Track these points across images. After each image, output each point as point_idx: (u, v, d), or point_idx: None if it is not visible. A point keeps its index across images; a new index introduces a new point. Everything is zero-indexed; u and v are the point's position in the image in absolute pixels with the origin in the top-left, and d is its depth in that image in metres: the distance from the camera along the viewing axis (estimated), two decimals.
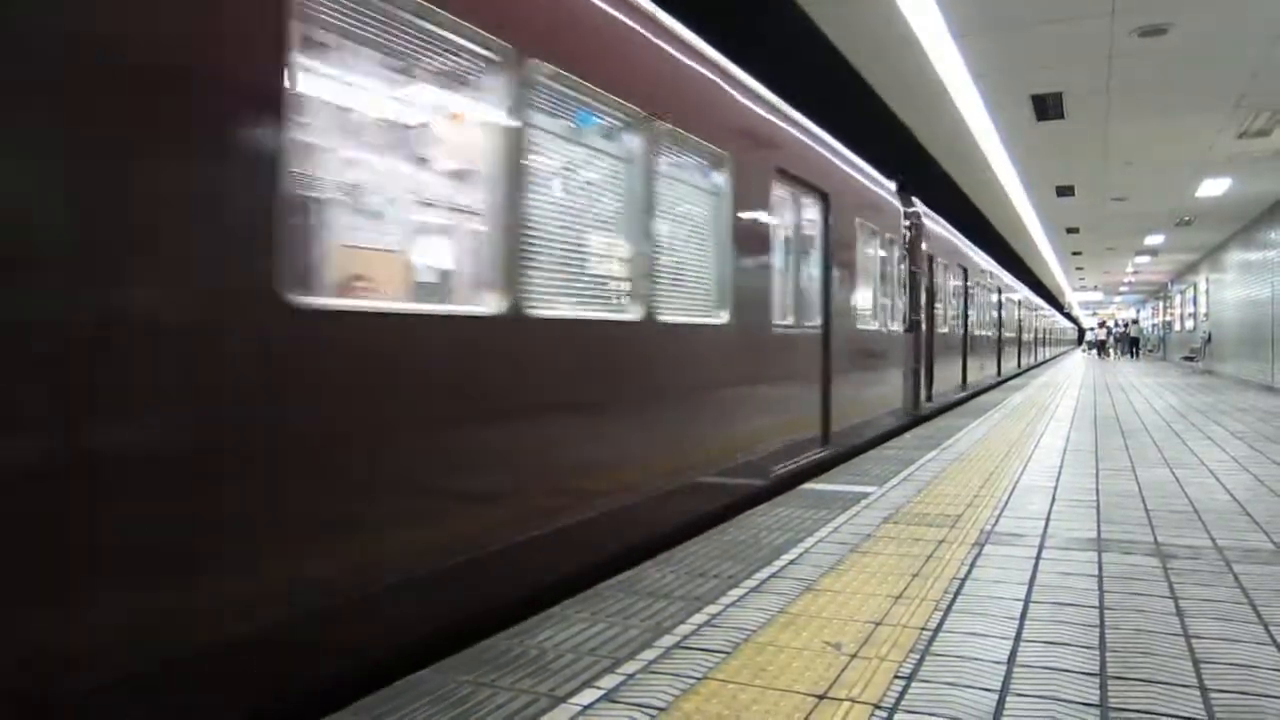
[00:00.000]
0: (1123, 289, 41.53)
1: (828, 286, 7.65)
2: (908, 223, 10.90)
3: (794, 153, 7.04)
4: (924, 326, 12.05)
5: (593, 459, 4.27)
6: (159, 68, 2.28)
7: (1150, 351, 42.98)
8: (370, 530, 2.91)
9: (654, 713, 2.37)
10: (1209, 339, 24.59)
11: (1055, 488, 5.89)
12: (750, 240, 6.04)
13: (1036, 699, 2.45)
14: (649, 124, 4.74)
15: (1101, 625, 3.08)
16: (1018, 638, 2.95)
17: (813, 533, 4.52)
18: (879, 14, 7.16)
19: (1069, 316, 69.86)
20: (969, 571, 3.79)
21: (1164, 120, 10.47)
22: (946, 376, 13.98)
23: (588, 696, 2.47)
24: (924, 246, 11.63)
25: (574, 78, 4.09)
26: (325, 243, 3.01)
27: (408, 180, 3.52)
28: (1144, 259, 26.32)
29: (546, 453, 3.91)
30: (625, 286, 4.64)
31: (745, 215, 5.94)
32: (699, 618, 3.16)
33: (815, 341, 7.22)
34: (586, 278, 4.41)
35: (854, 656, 2.78)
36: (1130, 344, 44.20)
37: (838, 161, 8.30)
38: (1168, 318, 36.71)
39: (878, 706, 2.41)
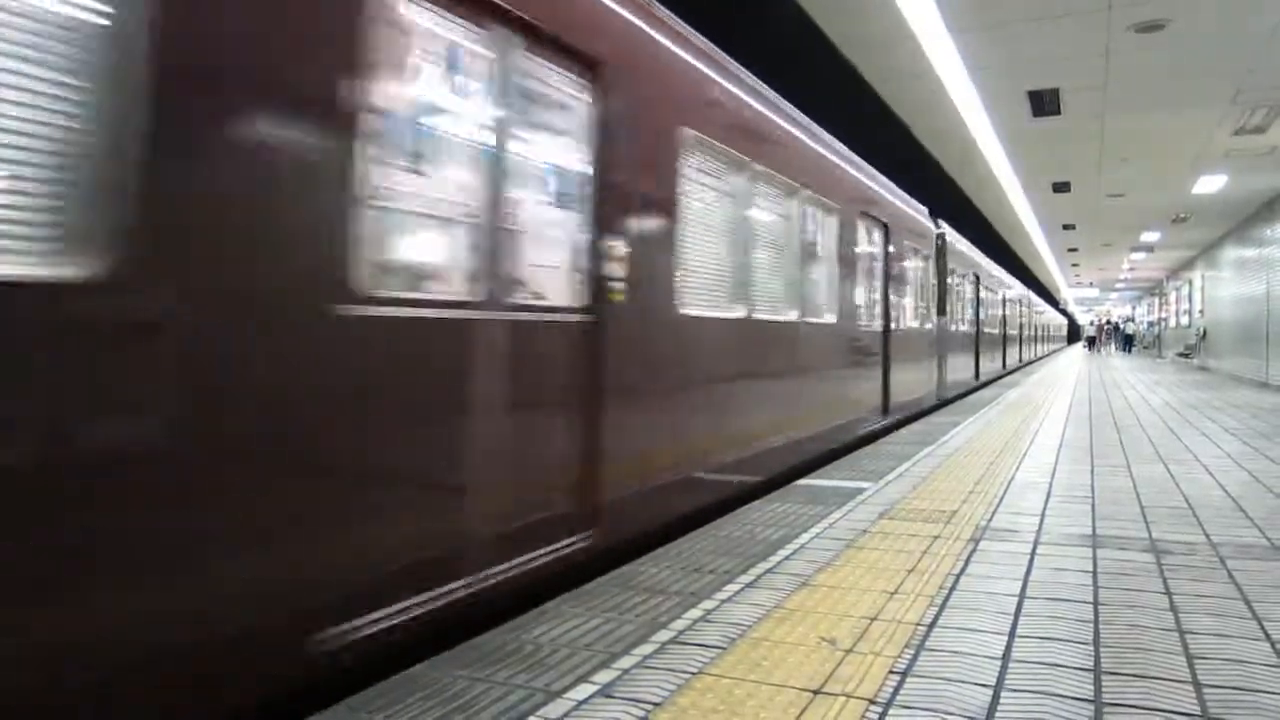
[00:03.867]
0: (1119, 285, 41.59)
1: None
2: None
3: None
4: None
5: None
6: None
7: (1146, 348, 43.18)
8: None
9: (649, 708, 2.37)
10: (1203, 335, 24.64)
11: (1050, 483, 5.90)
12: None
13: (1031, 694, 2.46)
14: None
15: (1096, 621, 3.09)
16: (1012, 633, 2.96)
17: (808, 528, 4.53)
18: (875, 8, 7.16)
19: (1064, 312, 70.06)
20: (964, 567, 3.79)
21: (1160, 116, 10.48)
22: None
23: (583, 691, 2.47)
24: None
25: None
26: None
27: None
28: (1140, 255, 26.34)
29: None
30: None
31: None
32: (694, 613, 3.16)
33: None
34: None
35: (849, 652, 2.78)
36: (1125, 340, 44.62)
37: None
38: (1163, 314, 36.80)
39: (872, 701, 2.41)
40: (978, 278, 18.06)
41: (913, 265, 11.78)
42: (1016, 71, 8.83)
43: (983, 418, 10.48)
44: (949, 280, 14.46)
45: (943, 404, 13.65)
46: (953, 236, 15.14)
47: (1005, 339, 24.04)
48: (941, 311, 13.80)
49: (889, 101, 10.00)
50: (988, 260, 20.57)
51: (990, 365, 20.07)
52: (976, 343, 18.03)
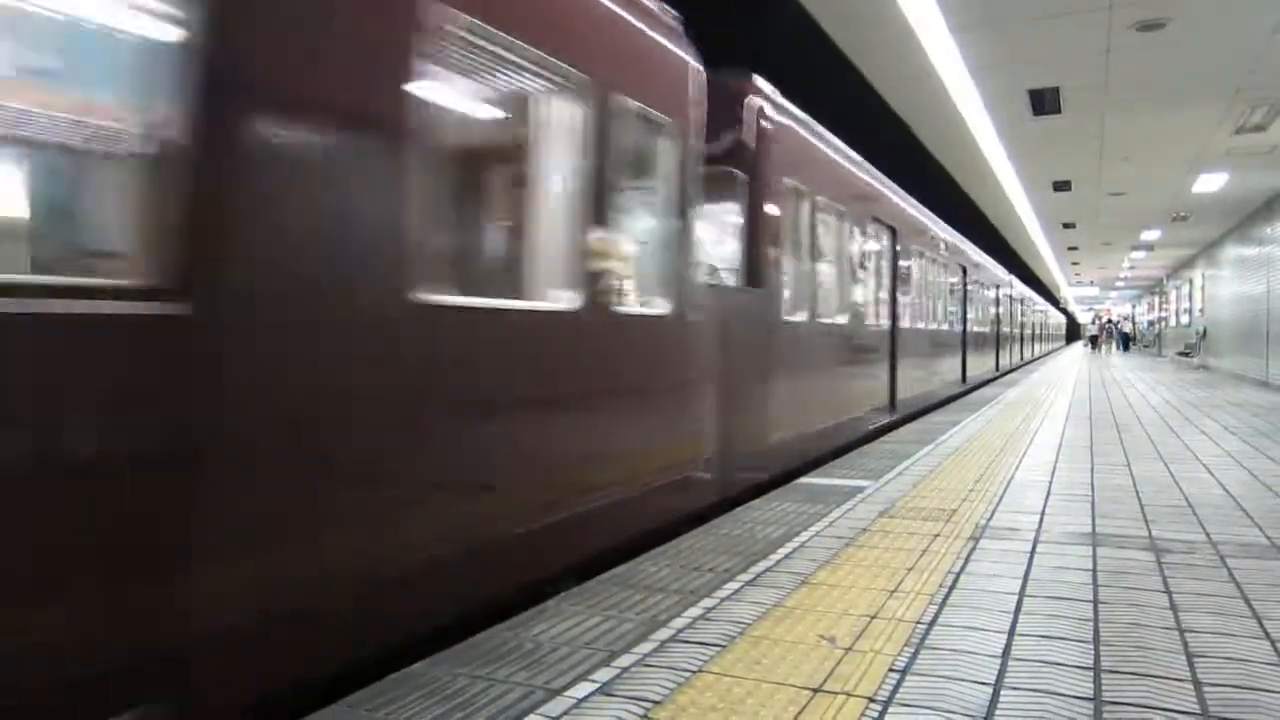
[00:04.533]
0: (1119, 284, 41.59)
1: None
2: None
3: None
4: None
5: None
6: None
7: (1146, 347, 43.24)
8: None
9: (649, 705, 2.37)
10: (1204, 334, 24.65)
11: (1050, 482, 5.90)
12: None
13: (1031, 692, 2.46)
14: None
15: (1096, 619, 3.09)
16: (1012, 631, 2.96)
17: (808, 527, 4.53)
18: (876, 7, 7.15)
19: (1064, 310, 70.23)
20: (964, 566, 3.79)
21: (1161, 115, 10.48)
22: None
23: (583, 689, 2.47)
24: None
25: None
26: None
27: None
28: (1140, 254, 26.33)
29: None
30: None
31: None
32: (694, 611, 3.16)
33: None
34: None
35: (849, 650, 2.78)
36: (1123, 339, 44.77)
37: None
38: (1163, 313, 36.81)
39: (872, 700, 2.41)
40: (894, 230, 11.09)
41: (654, 161, 4.93)
42: (1017, 70, 8.82)
43: (983, 416, 10.48)
44: (806, 220, 7.65)
45: (785, 477, 6.35)
46: (815, 134, 7.99)
47: (965, 336, 16.91)
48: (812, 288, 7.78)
49: (888, 100, 9.99)
50: (925, 211, 13.47)
51: (928, 385, 13.20)
52: (893, 341, 10.89)
